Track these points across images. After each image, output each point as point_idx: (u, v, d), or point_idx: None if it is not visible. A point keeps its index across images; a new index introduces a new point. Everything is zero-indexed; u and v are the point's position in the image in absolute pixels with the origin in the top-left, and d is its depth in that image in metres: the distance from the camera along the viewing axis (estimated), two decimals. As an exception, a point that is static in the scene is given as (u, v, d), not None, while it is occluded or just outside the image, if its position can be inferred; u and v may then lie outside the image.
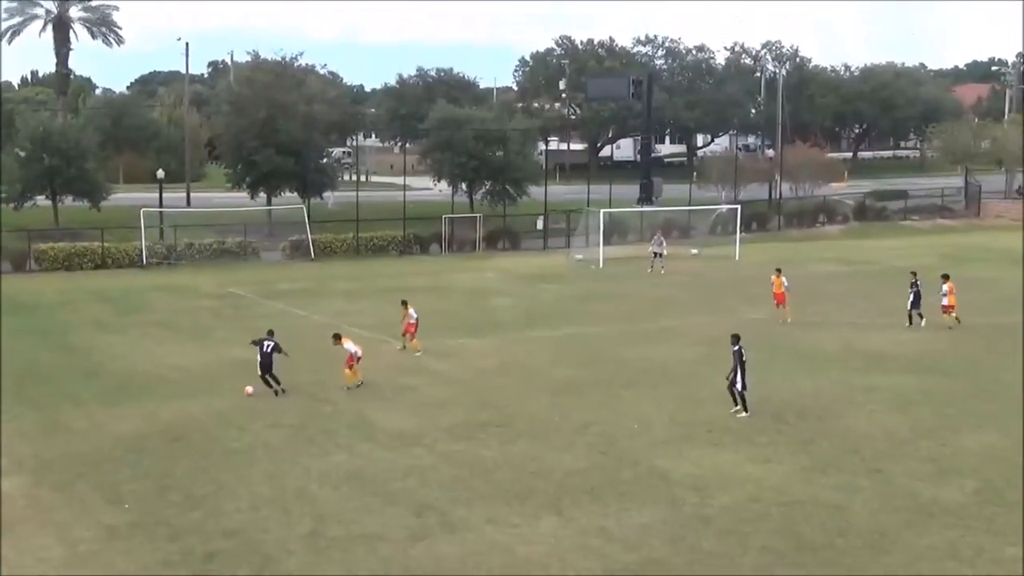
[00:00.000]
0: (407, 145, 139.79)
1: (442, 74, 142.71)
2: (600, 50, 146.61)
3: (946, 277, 45.19)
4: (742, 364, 30.81)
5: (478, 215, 78.84)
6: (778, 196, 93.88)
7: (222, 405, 32.43)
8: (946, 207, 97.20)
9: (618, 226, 76.25)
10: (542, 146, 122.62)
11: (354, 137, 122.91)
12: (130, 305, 52.42)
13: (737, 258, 68.79)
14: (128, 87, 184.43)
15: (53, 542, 22.17)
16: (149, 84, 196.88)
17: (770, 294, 47.12)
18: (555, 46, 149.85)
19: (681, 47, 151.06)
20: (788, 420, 30.67)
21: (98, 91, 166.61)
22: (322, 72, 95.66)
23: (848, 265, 66.79)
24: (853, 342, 41.89)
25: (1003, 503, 24.18)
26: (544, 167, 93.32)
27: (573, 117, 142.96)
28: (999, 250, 71.81)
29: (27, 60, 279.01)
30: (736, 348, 30.84)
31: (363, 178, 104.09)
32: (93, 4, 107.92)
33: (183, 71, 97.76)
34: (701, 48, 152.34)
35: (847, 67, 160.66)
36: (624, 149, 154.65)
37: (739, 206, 76.76)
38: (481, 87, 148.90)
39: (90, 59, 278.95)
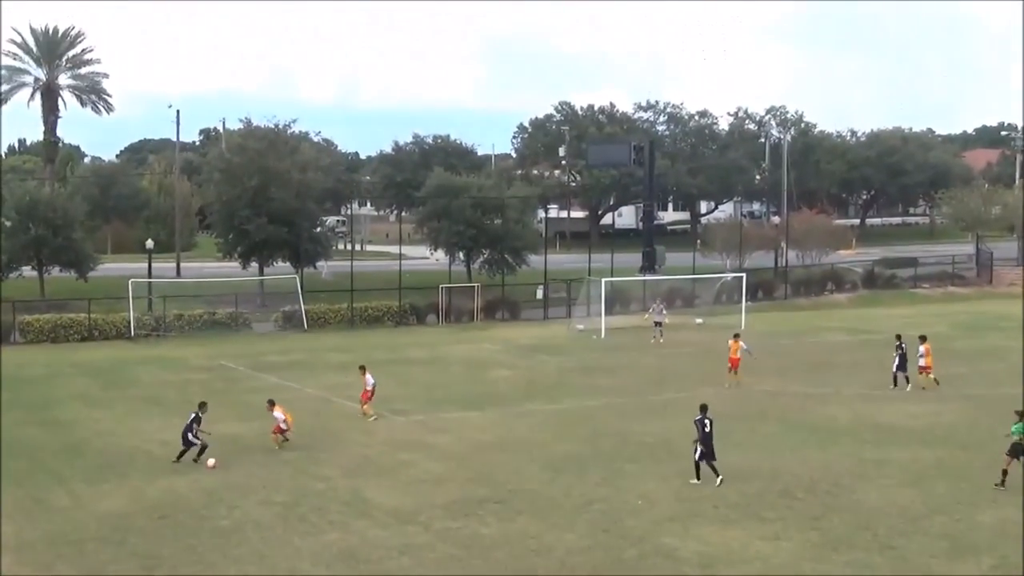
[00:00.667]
0: (403, 213, 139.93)
1: (439, 141, 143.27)
2: (600, 116, 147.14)
3: (923, 339, 47.05)
4: (705, 434, 31.05)
5: (476, 284, 77.86)
6: (784, 264, 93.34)
7: (210, 482, 31.78)
8: (957, 275, 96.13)
9: (620, 295, 75.70)
10: (542, 214, 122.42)
11: (348, 205, 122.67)
12: (117, 378, 51.70)
13: (743, 327, 67.62)
14: (117, 155, 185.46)
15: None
16: (139, 152, 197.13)
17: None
18: (554, 112, 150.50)
19: (683, 112, 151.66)
20: (797, 495, 30.19)
21: (87, 159, 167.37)
22: (316, 139, 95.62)
23: (857, 334, 65.92)
24: (863, 414, 41.49)
25: (1022, 581, 23.69)
26: (544, 235, 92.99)
27: (573, 184, 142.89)
28: (1012, 318, 70.45)
29: (15, 128, 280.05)
30: (699, 418, 31.32)
31: (358, 247, 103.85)
32: (82, 72, 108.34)
33: (173, 138, 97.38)
34: (704, 113, 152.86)
35: (853, 132, 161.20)
36: (626, 216, 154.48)
37: (744, 274, 75.91)
38: (479, 154, 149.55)
39: (79, 127, 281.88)
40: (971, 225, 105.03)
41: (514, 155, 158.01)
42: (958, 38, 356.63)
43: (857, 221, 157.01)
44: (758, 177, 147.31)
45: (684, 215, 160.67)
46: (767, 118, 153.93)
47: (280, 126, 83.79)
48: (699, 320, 70.68)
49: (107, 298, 68.88)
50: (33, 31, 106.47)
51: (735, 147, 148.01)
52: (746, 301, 72.43)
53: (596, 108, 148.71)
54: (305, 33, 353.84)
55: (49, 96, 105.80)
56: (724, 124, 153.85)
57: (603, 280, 69.67)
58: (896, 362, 46.73)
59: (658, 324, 63.14)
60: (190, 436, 33.78)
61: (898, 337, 47.73)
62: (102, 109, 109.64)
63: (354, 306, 72.27)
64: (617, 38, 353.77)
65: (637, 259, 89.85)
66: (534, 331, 69.35)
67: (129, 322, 65.92)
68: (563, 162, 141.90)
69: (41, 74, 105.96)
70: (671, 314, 66.17)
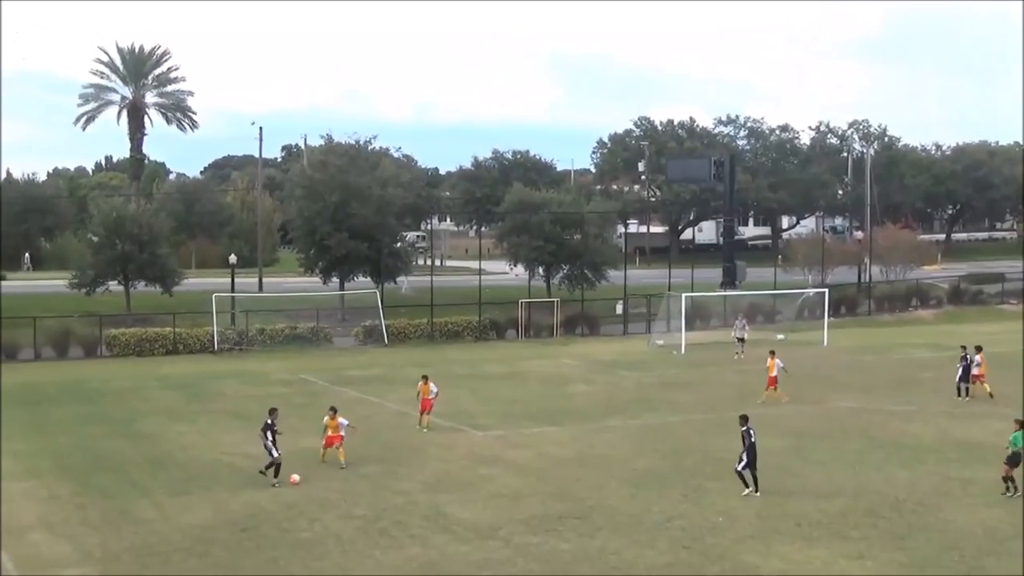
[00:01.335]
0: (483, 228, 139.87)
1: (518, 156, 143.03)
2: (680, 131, 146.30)
3: (979, 348, 48.03)
4: (751, 446, 31.45)
5: (555, 300, 77.49)
6: (868, 279, 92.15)
7: (292, 495, 31.92)
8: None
9: (700, 311, 75.16)
10: (621, 229, 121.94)
11: (428, 220, 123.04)
12: (200, 392, 52.16)
13: (826, 344, 67.18)
14: (202, 172, 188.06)
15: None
16: (223, 168, 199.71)
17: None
18: (634, 127, 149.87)
19: (764, 127, 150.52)
20: (882, 514, 29.73)
21: (172, 176, 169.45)
22: (396, 155, 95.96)
23: (942, 351, 64.51)
24: (948, 431, 40.93)
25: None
26: (623, 250, 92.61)
27: (653, 199, 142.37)
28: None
29: (101, 146, 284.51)
30: (744, 428, 31.58)
31: (438, 262, 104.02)
32: (168, 90, 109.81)
33: (256, 155, 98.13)
34: (785, 128, 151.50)
35: (938, 146, 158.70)
36: (706, 232, 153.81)
37: (827, 290, 75.02)
38: (558, 169, 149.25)
39: (164, 144, 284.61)
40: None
41: (593, 170, 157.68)
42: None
43: (942, 236, 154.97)
44: (840, 192, 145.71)
45: (765, 230, 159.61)
46: (849, 132, 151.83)
47: (361, 142, 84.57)
48: (781, 336, 69.94)
49: (191, 312, 69.62)
50: (120, 50, 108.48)
51: (817, 161, 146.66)
52: (828, 317, 71.64)
53: (676, 123, 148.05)
54: (382, 51, 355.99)
55: (135, 114, 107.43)
56: (806, 138, 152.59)
57: (683, 295, 69.12)
58: (960, 373, 47.56)
59: (740, 340, 62.65)
60: (265, 444, 33.66)
61: (963, 348, 48.38)
62: (187, 126, 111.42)
63: (434, 321, 72.29)
64: (696, 55, 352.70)
65: (717, 274, 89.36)
66: (613, 346, 69.00)
67: (212, 336, 66.50)
68: (643, 177, 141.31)
69: (128, 92, 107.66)
70: (752, 330, 65.51)
